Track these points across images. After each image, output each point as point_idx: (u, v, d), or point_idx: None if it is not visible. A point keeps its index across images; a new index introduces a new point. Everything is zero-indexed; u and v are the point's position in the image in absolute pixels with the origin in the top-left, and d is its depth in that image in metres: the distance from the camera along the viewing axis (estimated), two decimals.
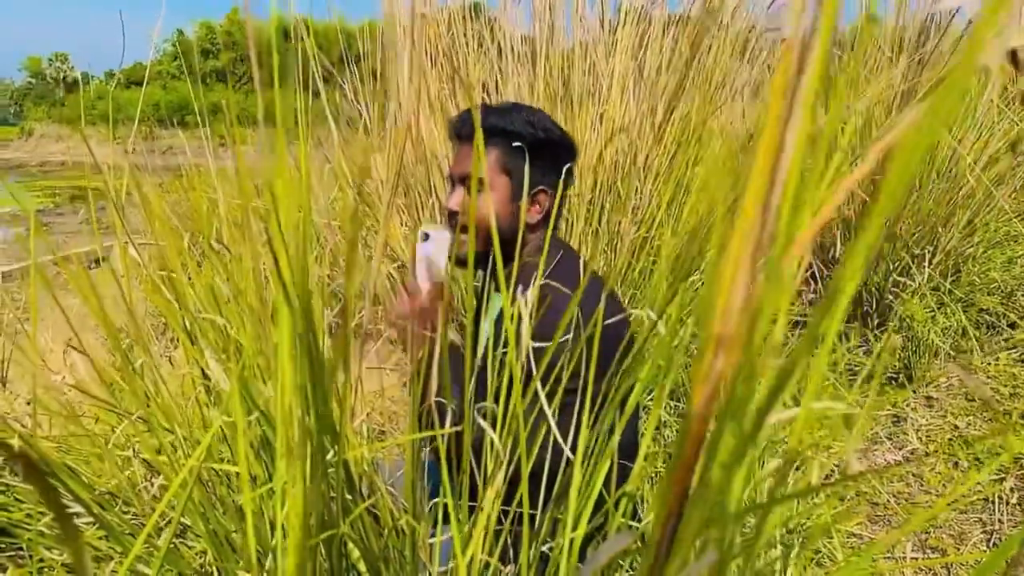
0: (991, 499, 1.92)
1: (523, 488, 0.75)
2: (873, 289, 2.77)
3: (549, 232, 0.95)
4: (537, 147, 1.25)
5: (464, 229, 1.29)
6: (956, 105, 0.28)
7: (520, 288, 1.19)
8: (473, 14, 2.74)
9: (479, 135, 0.61)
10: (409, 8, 2.47)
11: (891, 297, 2.71)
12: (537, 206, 1.29)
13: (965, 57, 0.27)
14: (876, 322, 2.77)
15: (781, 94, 0.29)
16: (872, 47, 2.97)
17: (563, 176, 1.29)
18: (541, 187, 1.28)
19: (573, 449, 0.77)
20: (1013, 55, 0.39)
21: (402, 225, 2.87)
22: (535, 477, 0.82)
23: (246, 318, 0.89)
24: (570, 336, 1.04)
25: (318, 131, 2.98)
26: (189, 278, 1.04)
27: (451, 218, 1.30)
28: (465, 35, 2.69)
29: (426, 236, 1.23)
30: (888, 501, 1.97)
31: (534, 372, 0.79)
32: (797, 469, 2.00)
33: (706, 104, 2.53)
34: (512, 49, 2.66)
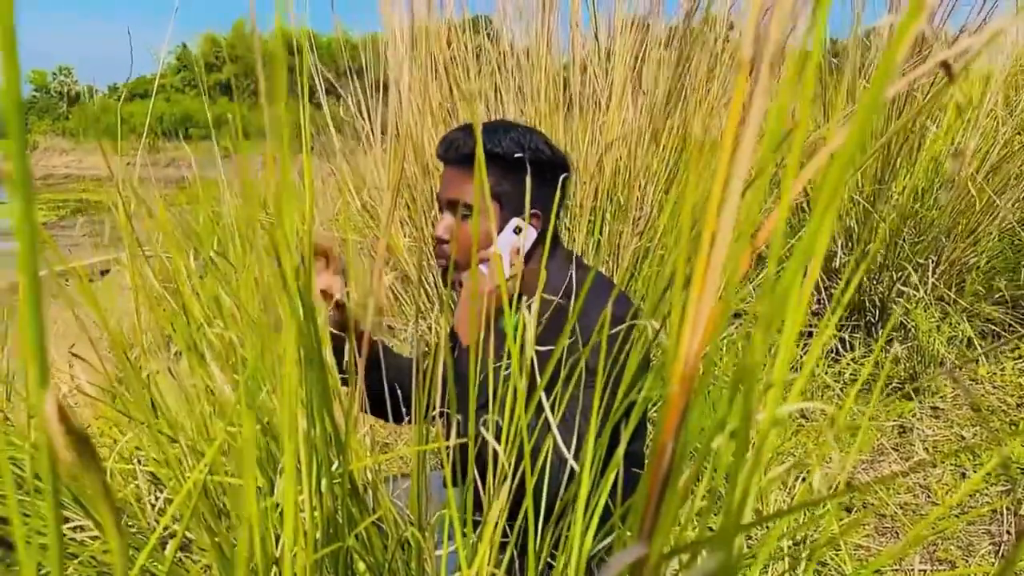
0: (999, 511, 1.91)
1: (531, 485, 0.75)
2: (877, 299, 2.76)
3: (547, 247, 0.93)
4: (528, 168, 1.19)
5: (451, 257, 1.27)
6: (875, 115, 0.28)
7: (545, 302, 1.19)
8: (473, 27, 2.75)
9: (480, 154, 0.61)
10: (408, 21, 2.49)
11: (895, 307, 2.71)
12: (532, 229, 1.25)
13: (880, 71, 0.27)
14: (880, 332, 2.76)
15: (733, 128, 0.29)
16: (868, 56, 2.97)
17: (558, 192, 1.26)
18: (534, 210, 1.24)
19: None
20: (946, 66, 0.40)
21: (405, 236, 2.87)
22: (545, 482, 0.82)
23: (250, 329, 0.89)
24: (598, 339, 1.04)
25: (322, 142, 2.99)
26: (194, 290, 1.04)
27: (439, 245, 1.27)
28: (466, 47, 2.70)
29: (517, 229, 1.22)
30: (895, 512, 1.96)
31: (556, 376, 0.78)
32: (803, 480, 2.00)
33: (702, 113, 2.53)
34: (512, 61, 2.67)
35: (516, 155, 1.20)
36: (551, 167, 1.25)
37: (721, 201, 0.28)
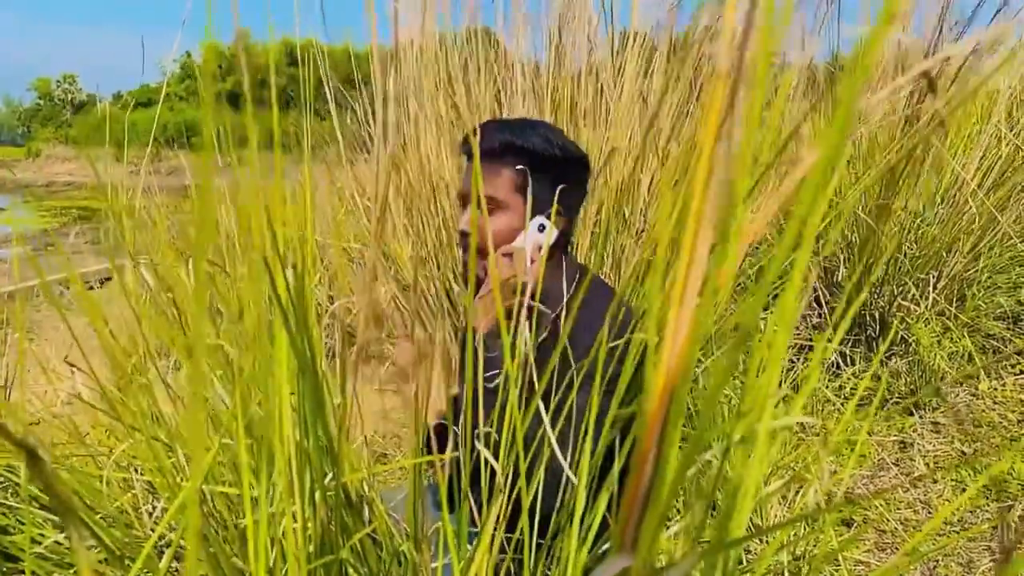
0: (1000, 527, 1.90)
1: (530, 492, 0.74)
2: (878, 314, 2.76)
3: (545, 251, 0.93)
4: (554, 165, 1.20)
5: (477, 251, 1.26)
6: (848, 131, 0.28)
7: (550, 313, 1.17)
8: (482, 37, 2.75)
9: (477, 159, 0.61)
10: (397, 31, 2.49)
11: (896, 321, 2.70)
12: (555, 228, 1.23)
13: (848, 84, 0.27)
14: (881, 347, 2.76)
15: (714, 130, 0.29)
16: (873, 69, 2.96)
17: (578, 192, 1.25)
18: (558, 207, 1.22)
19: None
20: (928, 77, 0.39)
21: (408, 245, 2.87)
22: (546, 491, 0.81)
23: (245, 340, 0.89)
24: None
25: (323, 151, 2.99)
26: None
27: (463, 239, 1.26)
28: (473, 58, 2.70)
29: (541, 227, 1.21)
30: (896, 528, 1.95)
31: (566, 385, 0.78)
32: (802, 493, 1.99)
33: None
34: (520, 73, 2.67)
35: (544, 151, 1.19)
36: (577, 166, 1.24)
37: (699, 212, 0.28)
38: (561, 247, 1.28)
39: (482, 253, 1.25)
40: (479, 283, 1.28)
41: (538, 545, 0.82)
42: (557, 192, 1.20)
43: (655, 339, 0.31)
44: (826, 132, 0.26)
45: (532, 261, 1.21)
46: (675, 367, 0.29)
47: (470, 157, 1.27)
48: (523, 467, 0.73)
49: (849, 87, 0.25)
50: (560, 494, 0.85)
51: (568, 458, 0.92)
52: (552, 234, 1.23)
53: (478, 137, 1.24)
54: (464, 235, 1.26)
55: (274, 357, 0.52)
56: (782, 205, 0.30)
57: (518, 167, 1.21)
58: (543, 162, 1.20)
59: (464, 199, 1.28)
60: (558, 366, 1.01)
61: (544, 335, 1.14)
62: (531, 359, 0.80)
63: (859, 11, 2.78)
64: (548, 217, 1.22)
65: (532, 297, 1.25)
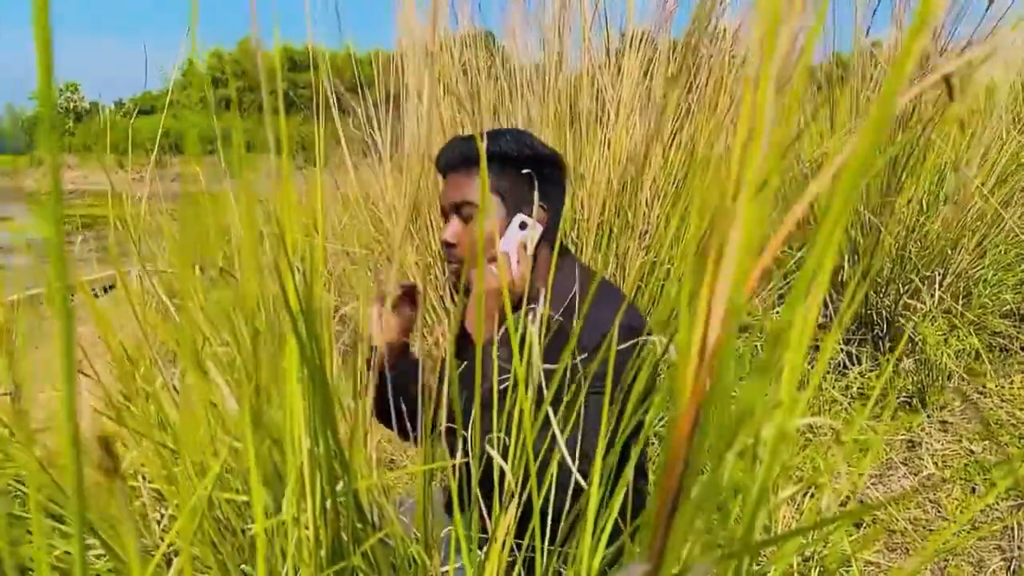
0: (1010, 526, 1.89)
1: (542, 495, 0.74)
2: (883, 312, 2.74)
3: (556, 251, 0.92)
4: (525, 164, 1.23)
5: (462, 261, 1.27)
6: (883, 133, 0.27)
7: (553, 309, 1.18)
8: (483, 41, 2.75)
9: (483, 164, 0.61)
10: (422, 37, 2.49)
11: (902, 320, 2.69)
12: (538, 225, 1.25)
13: (886, 89, 0.26)
14: (888, 346, 2.75)
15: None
16: (874, 69, 2.95)
17: (555, 188, 1.26)
18: (538, 203, 1.25)
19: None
20: (947, 82, 0.39)
21: (412, 250, 2.86)
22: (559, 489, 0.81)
23: (255, 345, 0.88)
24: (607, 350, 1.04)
25: (329, 156, 2.99)
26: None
27: (447, 249, 1.28)
28: (475, 62, 2.70)
29: (523, 225, 1.23)
30: (905, 528, 1.94)
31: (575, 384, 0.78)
32: (811, 495, 1.98)
33: (709, 128, 2.53)
34: (521, 76, 2.67)
35: (514, 152, 1.22)
36: (549, 164, 1.27)
37: (729, 217, 0.27)
38: (547, 241, 1.29)
39: (468, 262, 1.27)
40: (469, 293, 1.28)
41: (549, 549, 0.81)
42: (528, 187, 1.22)
43: (684, 343, 0.30)
44: (858, 134, 0.25)
45: (518, 261, 1.22)
46: (704, 374, 0.28)
47: (447, 171, 1.30)
48: (533, 470, 0.73)
49: (883, 105, 0.24)
50: (570, 496, 0.85)
51: (576, 461, 0.92)
52: (536, 229, 1.24)
53: (444, 154, 1.29)
54: (448, 246, 1.28)
55: (284, 363, 0.52)
56: (800, 221, 0.30)
57: (492, 168, 1.24)
58: (515, 162, 1.23)
59: (445, 212, 1.30)
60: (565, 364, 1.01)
61: (550, 336, 1.14)
62: (539, 361, 0.80)
63: (857, 11, 2.76)
64: (529, 215, 1.24)
65: (536, 299, 1.25)
